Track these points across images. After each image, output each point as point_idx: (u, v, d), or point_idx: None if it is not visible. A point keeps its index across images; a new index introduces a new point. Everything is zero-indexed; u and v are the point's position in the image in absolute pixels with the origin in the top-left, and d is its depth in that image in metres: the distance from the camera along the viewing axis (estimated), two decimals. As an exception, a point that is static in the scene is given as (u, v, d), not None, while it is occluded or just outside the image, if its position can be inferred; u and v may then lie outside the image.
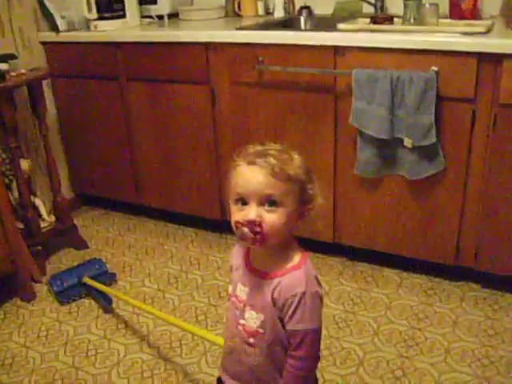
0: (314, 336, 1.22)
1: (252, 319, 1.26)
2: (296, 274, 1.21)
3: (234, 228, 1.18)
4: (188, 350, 2.19)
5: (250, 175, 1.16)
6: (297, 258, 1.24)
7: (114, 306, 2.47)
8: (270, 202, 1.15)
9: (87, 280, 2.54)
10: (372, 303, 2.38)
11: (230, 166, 1.22)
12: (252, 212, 1.14)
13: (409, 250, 2.46)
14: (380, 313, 2.32)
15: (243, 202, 1.16)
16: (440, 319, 2.25)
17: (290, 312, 1.19)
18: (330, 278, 2.56)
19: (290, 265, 1.22)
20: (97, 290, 2.50)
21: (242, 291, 1.28)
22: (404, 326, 2.23)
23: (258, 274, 1.26)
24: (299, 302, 1.18)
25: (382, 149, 2.27)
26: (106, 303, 2.47)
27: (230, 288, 1.34)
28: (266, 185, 1.14)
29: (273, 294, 1.21)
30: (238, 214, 1.17)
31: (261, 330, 1.25)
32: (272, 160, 1.16)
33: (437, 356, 2.06)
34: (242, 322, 1.28)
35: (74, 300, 2.55)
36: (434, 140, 2.15)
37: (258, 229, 1.14)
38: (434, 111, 2.11)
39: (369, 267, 2.63)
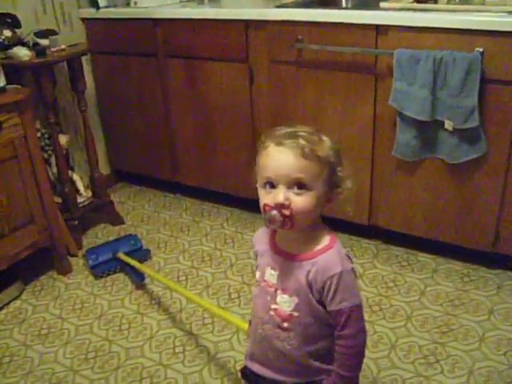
0: (358, 311, 1.21)
1: (285, 303, 1.24)
2: (329, 254, 1.20)
3: (262, 211, 1.17)
4: (220, 327, 2.20)
5: (279, 157, 1.14)
6: (326, 238, 1.22)
7: (147, 281, 2.50)
8: (300, 184, 1.13)
9: (121, 256, 2.57)
10: (406, 288, 2.35)
11: (258, 147, 1.20)
12: (280, 195, 1.12)
13: (446, 235, 2.42)
14: (414, 298, 2.29)
15: (271, 184, 1.14)
16: (476, 306, 2.21)
17: (331, 293, 1.18)
18: (364, 261, 2.54)
19: (320, 246, 1.21)
20: (130, 265, 2.53)
21: (271, 275, 1.27)
22: (438, 312, 2.19)
23: (287, 256, 1.24)
24: (338, 281, 1.17)
25: (421, 131, 2.23)
26: (138, 280, 2.49)
27: (258, 274, 1.32)
28: (295, 167, 1.12)
29: (308, 277, 1.20)
30: (266, 197, 1.15)
31: (295, 314, 1.23)
32: (302, 141, 1.13)
33: (471, 344, 2.02)
34: (274, 306, 1.26)
35: (108, 274, 2.59)
36: (476, 123, 2.09)
37: (287, 212, 1.12)
38: (477, 93, 2.05)
39: (404, 251, 2.60)
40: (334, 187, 1.19)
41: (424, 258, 2.54)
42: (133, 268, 2.52)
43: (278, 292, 1.25)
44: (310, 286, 1.20)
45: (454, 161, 2.22)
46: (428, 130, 2.22)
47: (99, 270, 2.58)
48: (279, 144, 1.14)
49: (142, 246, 2.69)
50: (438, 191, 2.35)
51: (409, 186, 2.41)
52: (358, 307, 1.21)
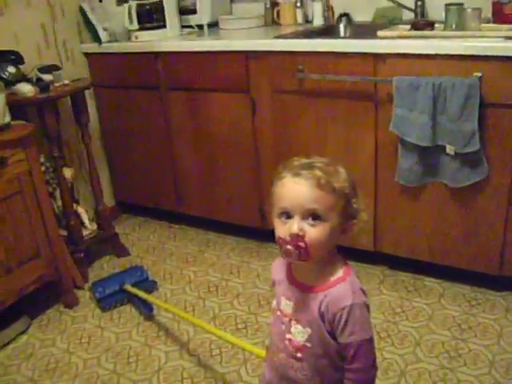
0: (368, 346, 1.20)
1: (299, 333, 1.25)
2: (342, 286, 1.20)
3: (277, 243, 1.18)
4: (228, 358, 2.19)
5: (294, 187, 1.15)
6: (341, 270, 1.22)
7: (154, 312, 2.49)
8: (314, 215, 1.13)
9: (128, 287, 2.57)
10: (414, 313, 2.34)
11: (274, 178, 1.21)
12: (295, 225, 1.13)
13: (451, 259, 2.42)
14: (422, 323, 2.28)
15: (287, 215, 1.15)
16: (484, 330, 2.20)
17: (340, 326, 1.18)
18: (371, 287, 2.53)
19: (334, 278, 1.21)
20: (138, 297, 2.53)
21: (286, 306, 1.27)
22: (446, 337, 2.18)
23: (302, 287, 1.25)
24: (348, 314, 1.17)
25: (423, 156, 2.24)
26: (146, 311, 2.49)
27: (274, 302, 1.33)
28: (310, 198, 1.13)
29: (320, 309, 1.20)
30: (281, 229, 1.16)
31: (308, 344, 1.23)
32: (318, 172, 1.14)
33: (481, 368, 2.01)
34: (288, 336, 1.27)
35: (115, 306, 2.59)
36: (477, 147, 2.11)
37: (301, 244, 1.13)
38: (477, 118, 2.07)
39: (410, 276, 2.59)
40: (349, 219, 1.20)
41: (430, 282, 2.54)
42: (141, 299, 2.52)
43: (293, 322, 1.26)
44: (322, 317, 1.20)
45: (457, 185, 2.23)
46: (430, 155, 2.24)
47: (107, 303, 2.57)
48: (295, 175, 1.15)
49: (148, 277, 2.69)
50: (442, 215, 2.35)
51: (413, 211, 2.42)
52: (368, 341, 1.20)
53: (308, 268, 1.23)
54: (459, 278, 2.50)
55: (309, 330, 1.23)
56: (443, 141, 2.17)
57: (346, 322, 1.17)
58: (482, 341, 2.14)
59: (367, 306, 1.20)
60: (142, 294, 2.52)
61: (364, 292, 1.21)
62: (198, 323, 2.30)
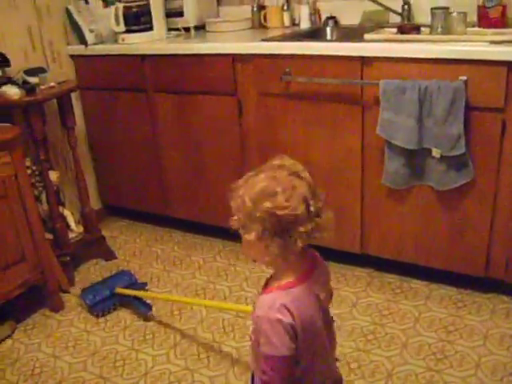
0: (277, 363, 1.22)
1: (251, 324, 1.32)
2: (267, 296, 1.25)
3: None
4: (216, 361, 2.19)
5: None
6: (282, 282, 1.25)
7: (140, 317, 2.49)
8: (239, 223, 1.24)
9: (121, 290, 2.55)
10: (400, 315, 2.35)
11: None
12: None
13: (437, 261, 2.43)
14: (409, 325, 2.29)
15: None
16: (470, 332, 2.22)
17: (256, 332, 1.24)
18: (358, 290, 2.54)
19: (273, 287, 1.26)
20: (134, 297, 2.52)
21: None
22: (433, 339, 2.19)
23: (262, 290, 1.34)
24: (256, 325, 1.23)
25: (410, 159, 2.25)
26: (146, 310, 2.47)
27: None
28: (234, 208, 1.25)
29: (254, 309, 1.27)
30: None
31: (252, 336, 1.30)
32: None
33: (467, 370, 2.02)
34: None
35: (108, 312, 2.55)
36: (463, 150, 2.12)
37: None
38: (462, 121, 2.09)
39: (397, 278, 2.60)
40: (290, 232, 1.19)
41: (417, 284, 2.55)
42: (138, 299, 2.51)
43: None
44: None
45: (443, 187, 2.24)
46: (416, 158, 2.25)
47: (99, 309, 2.54)
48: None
49: (136, 280, 2.67)
50: (428, 218, 2.36)
51: (399, 213, 2.43)
52: (276, 358, 1.21)
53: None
54: (445, 279, 2.51)
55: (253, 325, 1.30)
56: (429, 144, 2.19)
57: (259, 330, 1.22)
58: (469, 342, 2.16)
59: (281, 324, 1.19)
60: (137, 292, 2.52)
61: (284, 311, 1.19)
62: (196, 303, 2.44)
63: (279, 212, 1.15)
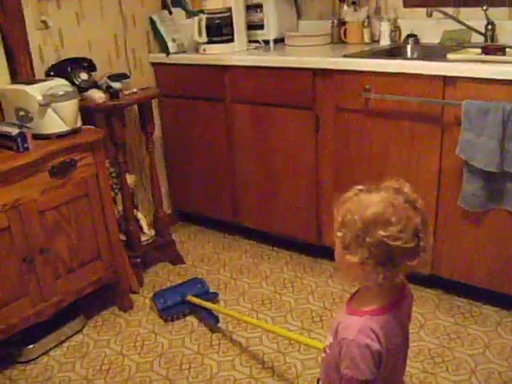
0: None
1: (326, 337, 1.33)
2: (355, 319, 1.23)
3: None
4: (280, 371, 2.20)
5: None
6: (371, 307, 1.23)
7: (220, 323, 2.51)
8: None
9: (192, 299, 2.58)
10: (469, 340, 2.30)
11: None
12: None
13: (510, 287, 2.37)
14: (478, 351, 2.24)
15: None
16: (543, 363, 2.15)
17: (342, 354, 1.22)
18: (425, 311, 2.50)
19: (360, 309, 1.24)
20: (203, 308, 2.54)
21: None
22: (504, 367, 2.13)
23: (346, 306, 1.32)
24: (346, 347, 1.20)
25: (489, 182, 2.21)
26: (213, 322, 2.49)
27: None
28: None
29: (337, 326, 1.26)
30: None
31: (328, 350, 1.30)
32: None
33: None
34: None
35: (177, 318, 2.59)
36: (545, 176, 2.08)
37: None
38: (547, 145, 2.05)
39: (466, 302, 2.55)
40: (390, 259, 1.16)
41: (487, 309, 2.49)
42: (206, 310, 2.53)
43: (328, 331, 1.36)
44: (335, 334, 1.25)
45: (522, 212, 2.20)
46: (495, 181, 2.21)
47: (168, 314, 2.58)
48: None
49: (208, 290, 2.70)
50: (504, 243, 2.31)
51: (473, 236, 2.38)
52: (357, 381, 1.20)
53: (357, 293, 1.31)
54: (518, 307, 2.45)
55: (330, 339, 1.28)
56: (510, 167, 2.15)
57: (345, 353, 1.20)
58: (541, 374, 2.10)
59: (369, 349, 1.18)
60: (207, 304, 2.54)
61: (374, 337, 1.19)
62: (265, 327, 2.40)
63: (391, 242, 1.12)
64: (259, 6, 3.15)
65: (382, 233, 1.12)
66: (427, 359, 2.20)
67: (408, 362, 2.05)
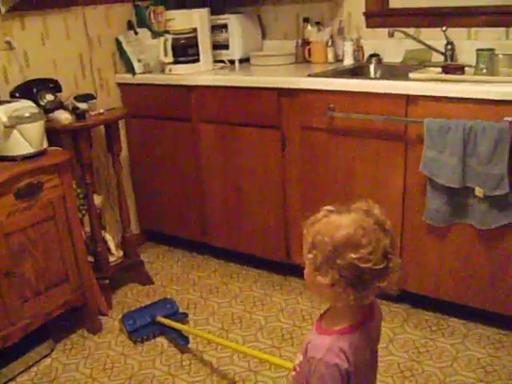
0: None
1: (297, 357, 1.32)
2: (325, 338, 1.24)
3: None
4: (254, 391, 2.21)
5: None
6: (341, 327, 1.24)
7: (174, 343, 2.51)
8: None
9: (161, 319, 2.56)
10: (438, 353, 2.34)
11: None
12: None
13: (476, 300, 2.42)
14: (447, 363, 2.27)
15: None
16: (509, 374, 2.19)
17: (311, 372, 1.22)
18: (394, 325, 2.53)
19: (330, 328, 1.25)
20: (173, 329, 2.52)
21: None
22: (471, 379, 2.17)
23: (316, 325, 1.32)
24: (315, 366, 1.21)
25: (452, 197, 2.27)
26: (183, 343, 2.47)
27: None
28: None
29: (307, 344, 1.26)
30: None
31: (298, 368, 1.30)
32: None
33: (506, 412, 2.00)
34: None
35: (147, 339, 2.56)
36: (506, 190, 2.13)
37: None
38: (507, 161, 2.10)
39: (434, 316, 2.59)
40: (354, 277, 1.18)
41: (454, 322, 2.53)
42: (176, 331, 2.51)
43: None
44: (305, 353, 1.26)
45: (485, 226, 2.24)
46: (458, 197, 2.26)
47: (138, 335, 2.56)
48: None
49: (178, 310, 2.68)
50: (469, 256, 2.36)
51: (439, 250, 2.43)
52: None
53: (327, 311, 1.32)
54: (484, 319, 2.49)
55: (301, 357, 1.29)
56: (472, 183, 2.20)
57: (313, 371, 1.21)
58: (509, 382, 2.13)
59: (338, 369, 1.19)
60: (177, 325, 2.52)
61: (343, 357, 1.20)
62: (235, 348, 2.38)
63: (362, 265, 1.13)
64: (224, 26, 3.19)
65: (352, 255, 1.13)
66: (397, 373, 2.22)
67: (378, 376, 2.07)
